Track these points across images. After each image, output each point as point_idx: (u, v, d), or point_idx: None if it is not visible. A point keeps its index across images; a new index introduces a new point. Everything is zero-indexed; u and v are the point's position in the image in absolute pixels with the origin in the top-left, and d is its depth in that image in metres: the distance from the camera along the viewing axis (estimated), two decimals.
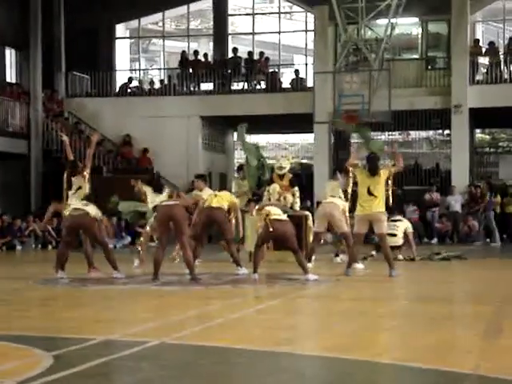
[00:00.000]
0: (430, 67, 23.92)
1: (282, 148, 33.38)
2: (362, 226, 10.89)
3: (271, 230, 10.15)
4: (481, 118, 23.65)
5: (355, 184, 11.63)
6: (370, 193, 10.67)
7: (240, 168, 15.68)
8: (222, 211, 11.44)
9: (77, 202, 10.53)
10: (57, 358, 4.90)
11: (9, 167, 23.01)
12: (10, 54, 26.21)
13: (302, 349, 5.40)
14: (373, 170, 10.79)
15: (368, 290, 9.50)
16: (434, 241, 20.73)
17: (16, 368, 4.70)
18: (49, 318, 7.00)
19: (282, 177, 13.65)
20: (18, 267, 11.67)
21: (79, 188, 10.84)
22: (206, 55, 26.23)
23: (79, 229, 10.76)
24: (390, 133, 27.56)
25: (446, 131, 25.42)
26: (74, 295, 9.12)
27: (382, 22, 22.33)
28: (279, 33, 27.12)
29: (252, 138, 33.45)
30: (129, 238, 20.87)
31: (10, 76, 26.28)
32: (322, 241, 13.60)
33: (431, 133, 27.70)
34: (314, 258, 12.55)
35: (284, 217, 10.35)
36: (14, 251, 18.58)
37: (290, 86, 25.28)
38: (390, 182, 11.92)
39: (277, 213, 10.28)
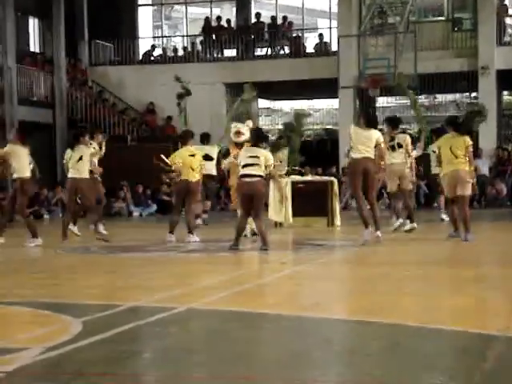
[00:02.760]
0: (456, 29, 23.60)
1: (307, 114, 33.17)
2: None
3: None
4: (508, 79, 23.31)
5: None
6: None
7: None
8: None
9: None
10: (85, 324, 4.93)
11: (34, 137, 23.06)
12: (32, 24, 26.25)
13: (328, 313, 5.39)
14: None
15: (395, 254, 9.46)
16: None
17: (45, 334, 4.73)
18: (77, 286, 7.05)
19: (240, 146, 11.15)
20: (46, 236, 11.76)
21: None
22: (228, 21, 26.07)
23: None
24: (417, 96, 27.33)
25: (473, 94, 25.12)
26: (101, 262, 9.18)
27: None
28: None
29: (276, 105, 33.38)
30: (155, 206, 20.97)
31: (34, 45, 26.34)
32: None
33: (458, 96, 27.41)
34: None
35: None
36: (41, 220, 18.74)
37: (313, 51, 25.09)
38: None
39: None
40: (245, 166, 9.56)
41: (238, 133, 11.24)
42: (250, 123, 11.48)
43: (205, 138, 15.06)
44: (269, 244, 9.48)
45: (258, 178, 9.54)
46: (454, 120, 11.24)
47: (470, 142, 10.67)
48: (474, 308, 5.56)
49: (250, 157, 9.60)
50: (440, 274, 7.51)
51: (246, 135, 11.07)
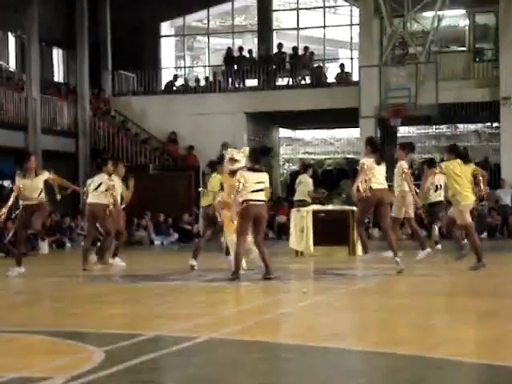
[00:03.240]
0: (477, 59, 23.59)
1: (328, 143, 33.27)
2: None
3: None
4: None
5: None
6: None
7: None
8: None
9: None
10: (108, 353, 4.94)
11: (57, 166, 23.26)
12: (57, 54, 26.57)
13: (351, 344, 5.37)
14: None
15: (417, 285, 9.40)
16: (484, 235, 20.46)
17: (68, 363, 4.75)
18: (99, 315, 7.07)
19: (233, 173, 10.46)
20: (68, 264, 11.82)
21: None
22: (250, 51, 26.25)
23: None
24: (438, 126, 27.32)
25: (495, 124, 25.05)
26: (123, 291, 9.20)
27: (429, 14, 22.11)
28: (324, 27, 27.01)
29: (297, 134, 33.47)
30: (176, 235, 21.02)
31: (58, 75, 26.64)
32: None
33: (479, 126, 27.33)
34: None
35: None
36: (63, 249, 18.83)
37: (335, 81, 25.17)
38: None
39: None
40: (253, 191, 9.74)
41: (232, 159, 10.44)
42: (246, 150, 10.67)
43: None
44: (272, 271, 9.55)
45: (263, 203, 9.85)
46: (458, 149, 11.33)
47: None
48: (497, 340, 5.51)
49: (257, 183, 9.80)
50: (462, 305, 7.46)
51: (242, 163, 10.35)
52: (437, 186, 14.47)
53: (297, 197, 15.31)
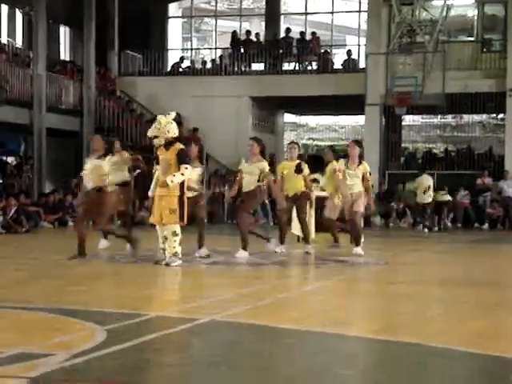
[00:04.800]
0: (485, 50, 23.54)
1: (332, 130, 33.26)
2: None
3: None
4: None
5: None
6: None
7: None
8: None
9: None
10: (109, 332, 4.98)
11: (61, 144, 23.34)
12: (64, 32, 26.56)
13: (350, 330, 5.40)
14: None
15: (417, 274, 9.44)
16: (485, 226, 20.48)
17: (69, 341, 4.79)
18: (101, 293, 7.11)
19: (166, 146, 9.43)
20: (70, 243, 11.85)
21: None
22: (257, 35, 26.19)
23: None
24: (443, 116, 27.32)
25: (501, 115, 25.05)
26: (125, 271, 9.23)
27: (438, 3, 22.05)
28: (332, 13, 26.94)
29: (302, 120, 33.45)
30: None
31: (64, 53, 26.63)
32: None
33: (485, 116, 27.33)
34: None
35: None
36: (65, 227, 18.87)
37: (341, 67, 25.13)
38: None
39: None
40: None
41: (149, 138, 9.52)
42: (171, 114, 9.54)
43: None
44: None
45: None
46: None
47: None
48: (496, 331, 5.55)
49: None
50: (462, 295, 7.49)
51: (162, 136, 9.34)
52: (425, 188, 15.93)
53: None
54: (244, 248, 10.50)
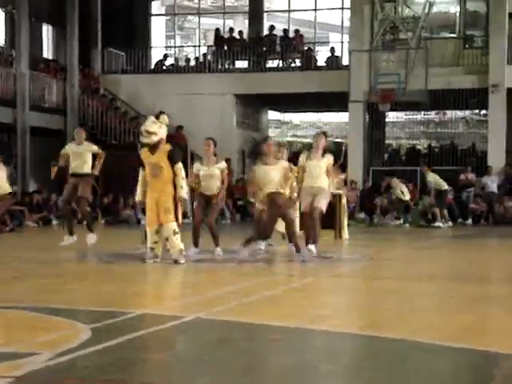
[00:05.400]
0: (467, 46, 23.64)
1: (316, 127, 33.30)
2: None
3: None
4: None
5: None
6: None
7: None
8: None
9: None
10: (94, 330, 4.97)
11: (45, 143, 23.22)
12: (46, 30, 26.41)
13: (335, 326, 5.41)
14: None
15: (402, 270, 9.48)
16: (469, 221, 20.58)
17: (54, 340, 4.77)
18: (87, 292, 7.09)
19: (152, 148, 9.39)
20: (55, 241, 11.82)
21: None
22: (241, 33, 26.16)
23: None
24: (426, 112, 27.42)
25: (483, 111, 25.16)
26: (109, 270, 9.21)
27: None
28: (315, 10, 26.96)
29: (286, 117, 33.46)
30: None
31: (47, 52, 26.49)
32: None
33: (468, 113, 27.45)
34: None
35: None
36: (50, 225, 18.81)
37: (325, 64, 25.16)
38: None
39: None
40: None
41: (147, 132, 9.31)
42: (165, 118, 9.52)
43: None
44: None
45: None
46: None
47: None
48: (482, 326, 5.58)
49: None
50: (447, 290, 7.53)
51: (159, 135, 9.31)
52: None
53: None
54: (218, 245, 10.47)
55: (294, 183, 10.65)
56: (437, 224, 19.12)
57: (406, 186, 20.25)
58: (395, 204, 20.11)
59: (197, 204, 10.58)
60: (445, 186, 19.50)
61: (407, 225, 19.56)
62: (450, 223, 19.41)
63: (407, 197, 20.01)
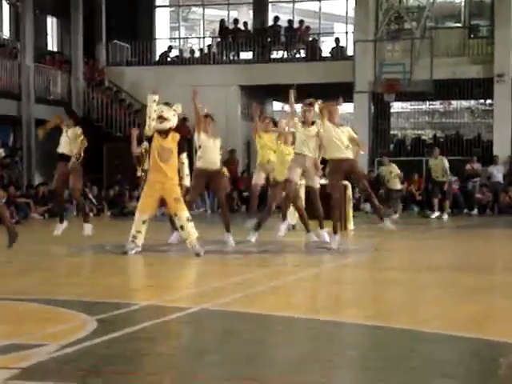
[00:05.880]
0: (472, 36, 23.56)
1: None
2: None
3: None
4: None
5: None
6: None
7: None
8: None
9: None
10: (100, 322, 4.98)
11: (50, 135, 23.21)
12: (51, 23, 26.39)
13: (342, 317, 5.42)
14: None
15: (406, 260, 9.48)
16: (475, 212, 20.54)
17: (60, 331, 4.79)
18: (92, 284, 7.11)
19: (165, 133, 9.43)
20: (61, 234, 11.84)
21: None
22: (245, 24, 26.11)
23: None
24: (431, 102, 27.32)
25: (489, 101, 25.07)
26: (114, 261, 9.22)
27: None
28: (320, 0, 26.87)
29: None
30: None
31: (52, 44, 26.48)
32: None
33: (473, 102, 27.34)
34: None
35: None
36: (56, 218, 18.80)
37: (330, 55, 25.09)
38: None
39: None
40: None
41: (161, 118, 9.36)
42: (178, 107, 9.66)
43: None
44: None
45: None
46: None
47: None
48: (488, 315, 5.57)
49: None
50: (452, 280, 7.53)
51: (172, 122, 9.43)
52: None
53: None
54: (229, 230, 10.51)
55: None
56: (433, 215, 18.56)
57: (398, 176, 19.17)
58: (387, 195, 18.99)
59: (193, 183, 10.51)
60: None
61: (446, 216, 18.53)
62: (446, 216, 18.50)
63: (399, 186, 18.94)
